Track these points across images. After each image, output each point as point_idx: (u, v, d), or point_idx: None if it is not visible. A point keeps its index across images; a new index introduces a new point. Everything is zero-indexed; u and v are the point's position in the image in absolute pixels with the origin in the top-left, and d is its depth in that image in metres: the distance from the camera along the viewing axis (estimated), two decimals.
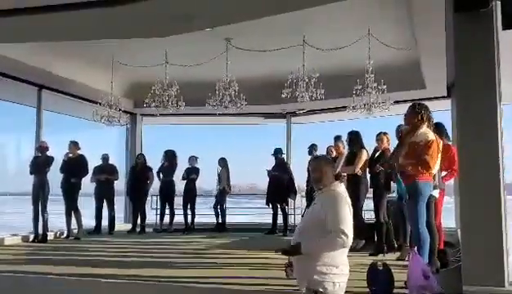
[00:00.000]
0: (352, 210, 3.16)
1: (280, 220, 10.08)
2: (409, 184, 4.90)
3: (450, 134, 6.49)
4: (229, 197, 11.41)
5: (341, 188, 3.24)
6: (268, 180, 10.21)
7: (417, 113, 4.92)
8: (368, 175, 7.37)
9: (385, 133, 7.15)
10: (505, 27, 3.56)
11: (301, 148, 9.56)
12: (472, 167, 3.81)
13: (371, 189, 7.29)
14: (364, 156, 7.36)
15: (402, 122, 5.54)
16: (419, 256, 4.29)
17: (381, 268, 4.31)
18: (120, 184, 10.96)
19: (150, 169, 10.74)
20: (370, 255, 6.71)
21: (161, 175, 10.64)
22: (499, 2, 3.57)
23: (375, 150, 7.25)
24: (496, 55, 3.77)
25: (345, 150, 8.00)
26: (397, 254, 6.47)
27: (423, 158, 4.75)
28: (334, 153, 8.34)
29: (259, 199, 11.85)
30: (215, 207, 10.89)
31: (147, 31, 6.55)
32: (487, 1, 3.60)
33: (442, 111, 9.41)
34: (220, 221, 10.82)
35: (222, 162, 11.07)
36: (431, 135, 4.84)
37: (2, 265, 6.19)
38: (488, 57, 3.75)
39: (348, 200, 3.18)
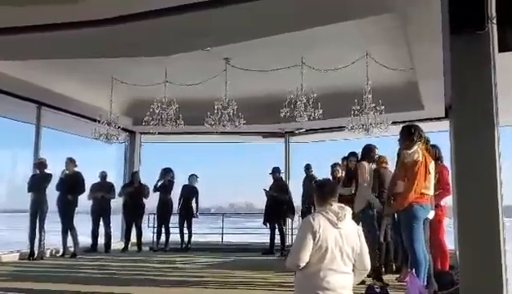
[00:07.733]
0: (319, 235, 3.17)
1: (277, 240, 10.00)
2: (403, 208, 4.90)
3: (448, 154, 6.47)
4: (227, 216, 11.27)
5: (316, 214, 3.31)
6: (266, 199, 10.15)
7: (408, 134, 5.00)
8: None
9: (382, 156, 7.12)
10: (502, 49, 3.57)
11: (300, 167, 9.53)
12: (470, 189, 3.79)
13: None
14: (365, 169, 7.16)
15: None
16: (416, 278, 4.25)
17: (379, 290, 4.26)
18: (118, 202, 10.90)
19: (146, 187, 10.73)
20: (368, 276, 6.62)
21: (158, 193, 10.61)
22: (495, 25, 3.60)
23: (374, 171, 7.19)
24: (493, 78, 3.78)
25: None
26: (396, 276, 6.40)
27: (407, 181, 4.81)
28: (340, 173, 8.20)
29: (256, 218, 11.77)
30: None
31: (149, 50, 6.60)
32: (483, 23, 3.61)
33: (441, 132, 9.40)
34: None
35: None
36: (416, 156, 4.87)
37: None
38: (485, 79, 3.75)
39: (314, 226, 3.18)
